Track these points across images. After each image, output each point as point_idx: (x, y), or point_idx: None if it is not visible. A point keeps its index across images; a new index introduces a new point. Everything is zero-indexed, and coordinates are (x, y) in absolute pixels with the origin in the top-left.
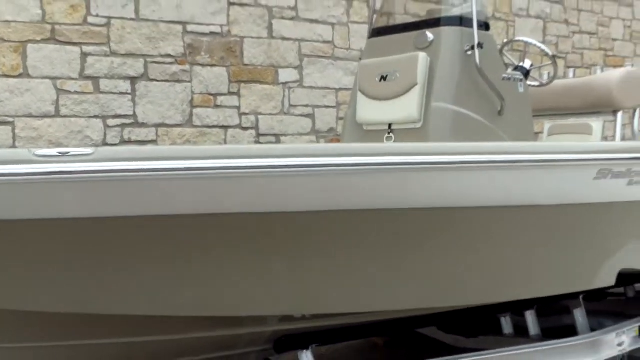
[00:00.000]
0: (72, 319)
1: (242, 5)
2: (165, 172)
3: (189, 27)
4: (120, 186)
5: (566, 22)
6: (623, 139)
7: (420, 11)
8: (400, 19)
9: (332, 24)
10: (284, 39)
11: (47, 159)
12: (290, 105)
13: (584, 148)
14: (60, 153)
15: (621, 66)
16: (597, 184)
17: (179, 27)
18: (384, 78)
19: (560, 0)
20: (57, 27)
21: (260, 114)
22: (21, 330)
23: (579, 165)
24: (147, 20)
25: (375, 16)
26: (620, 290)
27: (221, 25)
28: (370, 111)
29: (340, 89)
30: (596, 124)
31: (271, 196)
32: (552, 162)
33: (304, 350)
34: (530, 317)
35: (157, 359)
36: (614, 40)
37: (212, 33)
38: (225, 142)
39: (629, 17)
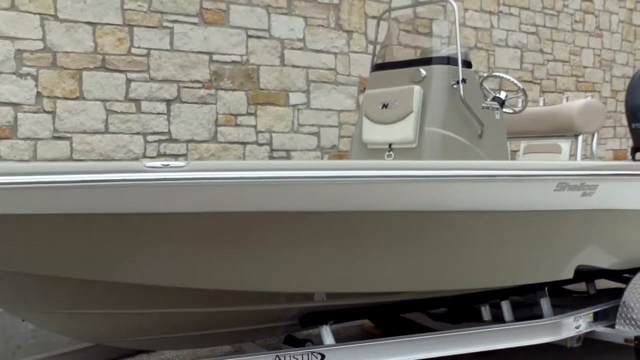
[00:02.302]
0: (167, 292)
1: (258, 37)
2: (235, 179)
3: (214, 57)
4: (206, 189)
5: (541, 51)
6: (584, 157)
7: (413, 52)
8: (398, 57)
9: (335, 54)
10: (293, 66)
11: (154, 169)
12: (299, 125)
13: (545, 166)
14: (163, 165)
15: (592, 91)
16: (556, 194)
17: (206, 57)
18: (385, 106)
19: (536, 31)
20: (106, 57)
21: (274, 132)
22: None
23: (542, 179)
24: (180, 50)
25: (377, 54)
26: (584, 288)
27: (241, 55)
28: (373, 133)
29: (342, 111)
30: (564, 144)
31: (314, 199)
32: (520, 177)
33: (324, 325)
34: (505, 305)
35: (207, 328)
36: (585, 67)
37: (233, 62)
38: (244, 157)
39: (598, 46)
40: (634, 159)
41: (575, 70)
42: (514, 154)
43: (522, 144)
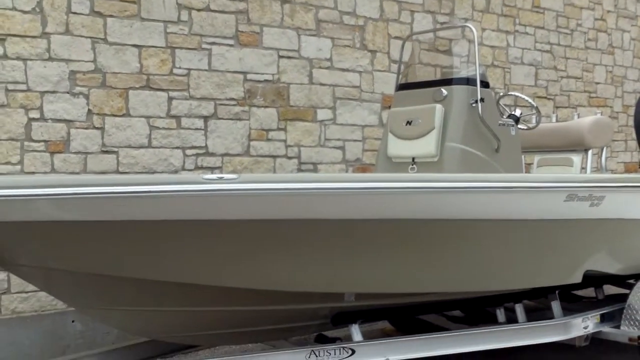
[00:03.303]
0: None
1: (289, 57)
2: (279, 190)
3: (248, 76)
4: (255, 199)
5: (555, 68)
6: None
7: (435, 70)
8: (421, 76)
9: (360, 72)
10: (321, 84)
11: (211, 181)
12: (326, 139)
13: (556, 178)
14: (218, 177)
15: (604, 106)
16: (566, 204)
17: (241, 76)
18: (409, 123)
19: (550, 49)
20: (150, 77)
21: (302, 146)
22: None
23: (553, 190)
24: (217, 70)
25: (401, 75)
26: (593, 294)
27: (273, 74)
28: (398, 148)
29: (366, 126)
30: (576, 158)
31: (345, 208)
32: (533, 188)
33: (353, 324)
34: (518, 308)
35: (249, 325)
36: (597, 83)
37: (265, 80)
38: (275, 170)
39: (610, 63)
40: None
41: (588, 87)
42: (528, 167)
43: (536, 158)
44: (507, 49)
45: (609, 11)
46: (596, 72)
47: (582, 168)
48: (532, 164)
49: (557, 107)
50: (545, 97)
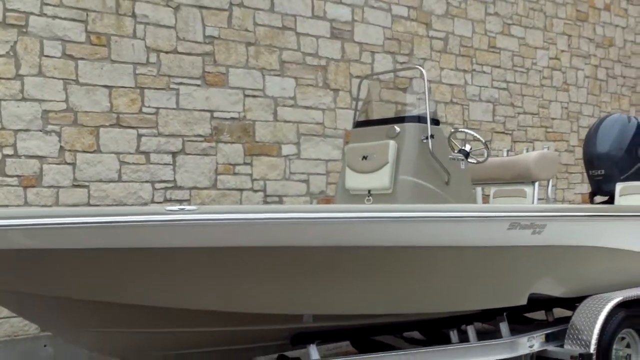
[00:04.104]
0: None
1: (254, 96)
2: (235, 220)
3: (215, 114)
4: (215, 228)
5: (512, 104)
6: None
7: (394, 106)
8: (378, 113)
9: (323, 109)
10: (285, 121)
11: (173, 212)
12: (291, 173)
13: (499, 208)
14: (179, 209)
15: (560, 140)
16: (509, 232)
17: (208, 114)
18: (365, 157)
19: (507, 87)
20: (120, 115)
21: (268, 179)
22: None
23: (496, 219)
24: (185, 109)
25: (358, 113)
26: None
27: (239, 112)
28: (355, 181)
29: (329, 160)
30: (528, 189)
31: (302, 236)
32: (478, 217)
33: (311, 344)
34: (470, 329)
35: (213, 345)
36: (553, 119)
37: (232, 118)
38: (241, 202)
39: (565, 99)
40: (591, 201)
41: (544, 122)
42: (487, 199)
43: (492, 189)
44: (465, 87)
45: (562, 50)
46: (552, 108)
47: (540, 199)
48: (489, 195)
49: (514, 142)
50: (503, 132)
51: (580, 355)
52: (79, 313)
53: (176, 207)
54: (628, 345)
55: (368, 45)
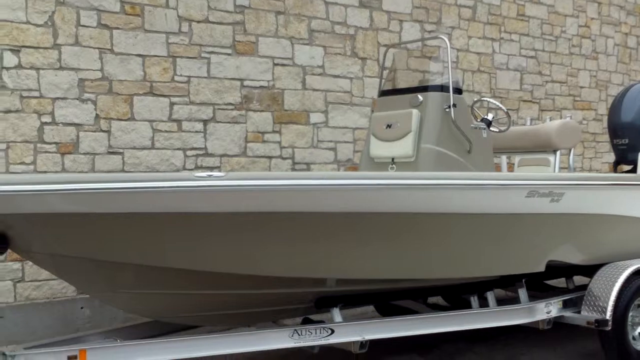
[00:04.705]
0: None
1: (283, 65)
2: (263, 186)
3: (245, 83)
4: (243, 194)
5: (540, 73)
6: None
7: (421, 75)
8: (403, 82)
9: (351, 78)
10: (314, 90)
11: (202, 178)
12: (318, 141)
13: (517, 176)
14: (208, 175)
15: (588, 109)
16: (527, 200)
17: (238, 83)
18: (389, 126)
19: (535, 55)
20: (153, 84)
21: (296, 147)
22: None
23: (515, 187)
24: (215, 77)
25: (383, 82)
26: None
27: (268, 81)
28: (379, 149)
29: (356, 128)
30: (552, 158)
31: (327, 202)
32: (497, 185)
33: (334, 308)
34: (490, 295)
35: (243, 307)
36: (582, 87)
37: (261, 87)
38: (270, 169)
39: (594, 68)
40: (615, 170)
41: (573, 90)
42: (512, 167)
43: (517, 158)
44: (492, 56)
45: (592, 18)
46: (580, 77)
47: (562, 168)
48: (514, 163)
49: (542, 111)
50: (530, 101)
51: (597, 321)
52: (114, 275)
53: (205, 174)
54: None
55: (396, 14)
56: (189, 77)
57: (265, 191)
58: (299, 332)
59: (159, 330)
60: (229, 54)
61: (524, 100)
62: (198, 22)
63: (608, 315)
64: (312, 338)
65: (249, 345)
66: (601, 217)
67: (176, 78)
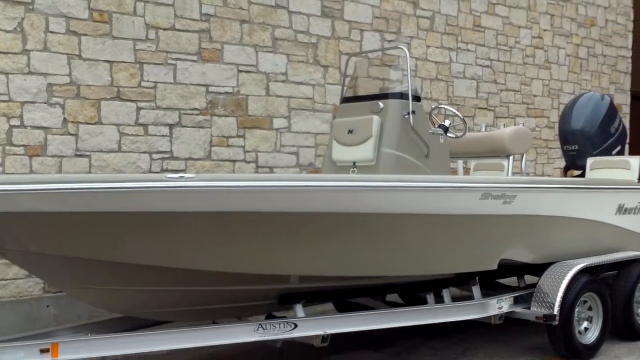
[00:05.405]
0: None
1: (247, 72)
2: (231, 187)
3: (210, 88)
4: (211, 194)
5: (495, 81)
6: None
7: (381, 83)
8: (364, 90)
9: (313, 85)
10: (277, 96)
11: (173, 179)
12: (281, 145)
13: (472, 179)
14: (179, 176)
15: (541, 117)
16: (481, 202)
17: (203, 89)
18: (350, 131)
19: (490, 64)
20: (121, 89)
21: (259, 151)
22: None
23: (470, 189)
24: (181, 83)
25: (345, 89)
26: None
27: (233, 87)
28: (341, 153)
29: (318, 134)
30: (506, 162)
31: (291, 203)
32: (453, 188)
33: (297, 304)
34: (445, 292)
35: (209, 304)
36: (535, 96)
37: (226, 92)
38: (234, 172)
39: (547, 77)
40: (565, 175)
41: (526, 99)
42: (468, 171)
43: (473, 163)
44: (450, 65)
45: (545, 30)
46: (533, 86)
47: (515, 172)
48: (470, 168)
49: (497, 118)
50: (485, 108)
51: (545, 316)
52: (85, 272)
53: (176, 175)
54: (590, 308)
55: (357, 24)
56: (156, 82)
57: (232, 192)
58: (264, 327)
59: (128, 326)
60: (194, 61)
61: (480, 108)
62: (165, 29)
63: (556, 310)
64: (276, 332)
65: (215, 339)
66: (551, 219)
67: (143, 83)
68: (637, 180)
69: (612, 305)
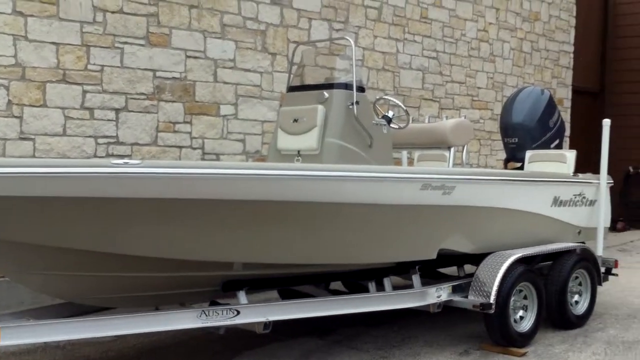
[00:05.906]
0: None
1: (195, 58)
2: (176, 174)
3: (158, 73)
4: (156, 181)
5: (440, 73)
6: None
7: (329, 72)
8: (311, 79)
9: (261, 73)
10: (225, 82)
11: (118, 165)
12: (228, 132)
13: (413, 170)
14: (124, 162)
15: (485, 109)
16: (421, 192)
17: (151, 73)
18: (296, 120)
19: (436, 56)
20: (67, 72)
21: (206, 138)
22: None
23: (410, 180)
24: (129, 67)
25: (292, 77)
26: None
27: (180, 72)
28: (286, 142)
29: (265, 121)
30: (447, 153)
31: (234, 190)
32: (394, 178)
33: (240, 291)
34: (386, 281)
35: (152, 290)
36: (479, 88)
37: (173, 78)
38: (180, 159)
39: (491, 70)
40: (505, 167)
41: (471, 91)
42: (412, 162)
43: (417, 154)
44: (396, 55)
45: (490, 23)
46: (478, 78)
47: (457, 163)
48: (414, 159)
49: (442, 109)
50: (431, 100)
51: (482, 304)
52: (28, 257)
53: (121, 161)
54: (525, 297)
55: (306, 12)
56: (102, 66)
57: (177, 179)
58: (207, 313)
59: (72, 312)
60: (142, 45)
61: (425, 99)
62: (112, 12)
63: (492, 299)
64: (219, 319)
65: (157, 325)
66: (489, 210)
67: (89, 67)
68: (572, 174)
69: (546, 294)
